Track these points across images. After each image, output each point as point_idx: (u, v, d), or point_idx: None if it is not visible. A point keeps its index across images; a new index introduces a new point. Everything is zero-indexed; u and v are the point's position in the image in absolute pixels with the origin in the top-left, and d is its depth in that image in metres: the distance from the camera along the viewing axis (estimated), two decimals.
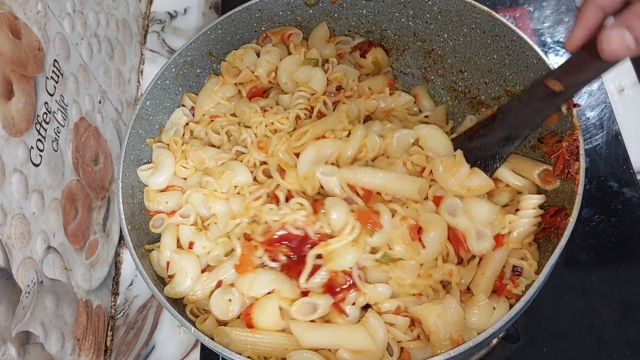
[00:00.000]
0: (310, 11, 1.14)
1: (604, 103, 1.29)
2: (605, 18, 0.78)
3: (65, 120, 1.06)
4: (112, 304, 1.20)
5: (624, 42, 0.71)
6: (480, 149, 0.93)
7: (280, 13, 1.12)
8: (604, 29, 0.73)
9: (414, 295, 0.89)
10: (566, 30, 1.41)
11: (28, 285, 0.89)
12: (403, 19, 1.12)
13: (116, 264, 1.23)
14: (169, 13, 1.61)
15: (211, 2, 1.61)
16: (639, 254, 1.12)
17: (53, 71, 1.04)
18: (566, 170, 0.87)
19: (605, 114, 1.28)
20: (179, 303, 0.92)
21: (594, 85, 1.32)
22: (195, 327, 0.85)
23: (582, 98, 1.30)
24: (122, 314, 1.19)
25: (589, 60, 0.78)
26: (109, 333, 1.16)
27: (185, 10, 1.61)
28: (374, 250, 0.90)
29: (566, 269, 1.11)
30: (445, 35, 1.10)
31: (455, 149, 0.94)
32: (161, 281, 0.95)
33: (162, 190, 1.02)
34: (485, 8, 1.01)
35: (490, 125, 0.94)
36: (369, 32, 1.17)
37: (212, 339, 0.83)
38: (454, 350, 0.76)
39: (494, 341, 1.06)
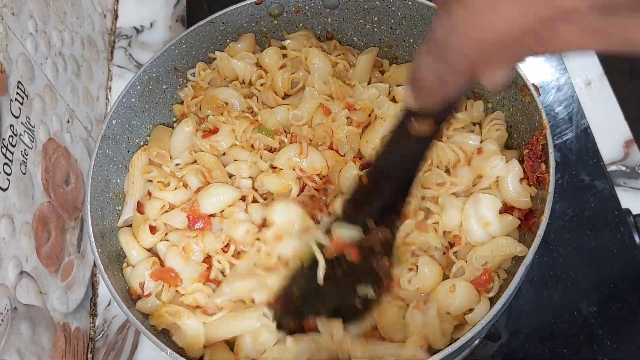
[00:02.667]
0: (275, 22, 1.13)
1: (572, 97, 1.30)
2: None
3: (33, 142, 1.05)
4: (91, 325, 1.18)
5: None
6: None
7: (245, 25, 1.11)
8: None
9: None
10: None
11: (1, 313, 0.88)
12: (368, 26, 1.12)
13: (93, 285, 1.22)
14: (135, 28, 1.59)
15: (177, 15, 1.60)
16: (614, 245, 1.13)
17: (17, 93, 1.02)
18: (535, 175, 0.87)
19: (574, 108, 1.29)
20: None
21: (562, 80, 1.33)
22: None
23: (550, 94, 1.31)
24: (101, 335, 1.17)
25: None
26: (89, 355, 1.15)
27: (151, 24, 1.59)
28: None
29: (543, 265, 1.12)
30: (411, 40, 1.10)
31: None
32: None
33: None
34: None
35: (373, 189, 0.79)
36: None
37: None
38: (434, 357, 0.76)
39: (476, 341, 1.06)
